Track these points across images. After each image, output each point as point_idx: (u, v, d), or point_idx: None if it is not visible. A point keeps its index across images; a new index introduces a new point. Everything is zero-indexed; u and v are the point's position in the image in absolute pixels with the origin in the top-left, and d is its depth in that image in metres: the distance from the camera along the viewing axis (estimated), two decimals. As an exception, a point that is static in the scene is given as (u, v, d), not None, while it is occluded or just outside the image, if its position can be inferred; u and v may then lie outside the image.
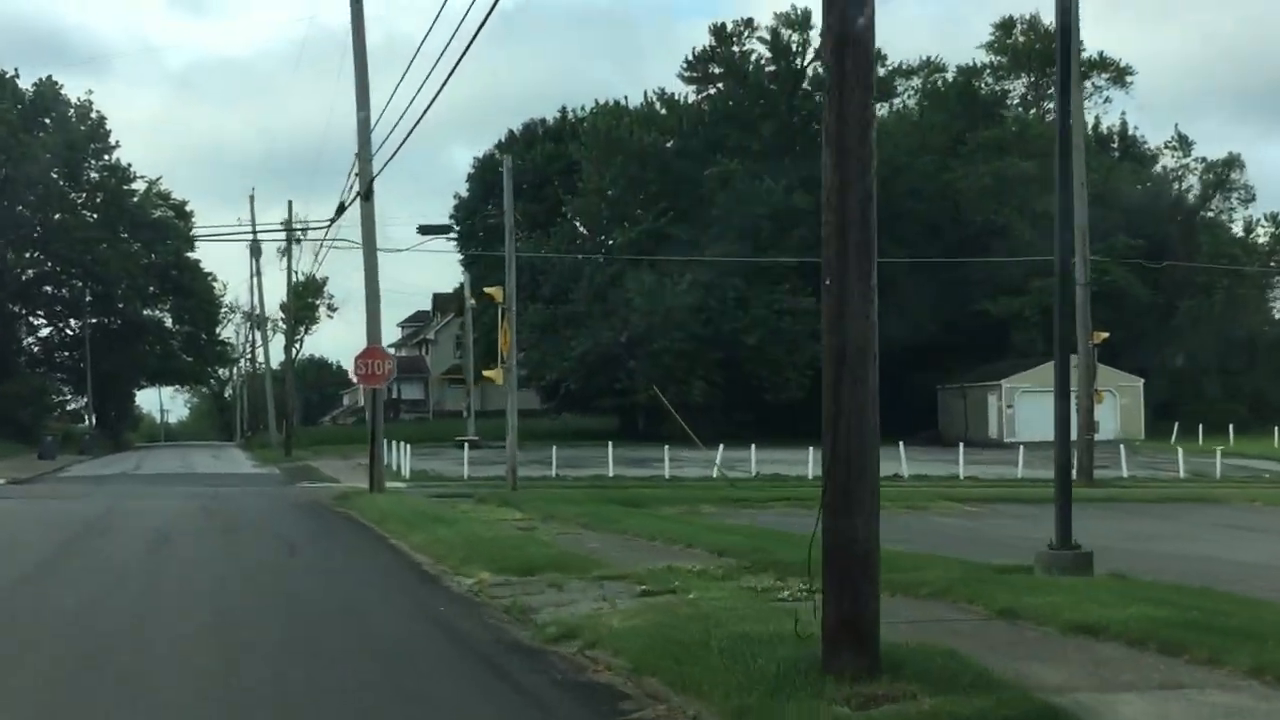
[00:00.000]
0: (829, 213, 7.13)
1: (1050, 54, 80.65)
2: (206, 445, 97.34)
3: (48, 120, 78.26)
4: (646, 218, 69.36)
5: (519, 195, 71.85)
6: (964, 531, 22.10)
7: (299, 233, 69.55)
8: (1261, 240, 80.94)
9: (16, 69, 77.57)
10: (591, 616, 10.90)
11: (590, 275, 69.27)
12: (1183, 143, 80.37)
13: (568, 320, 67.81)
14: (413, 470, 41.37)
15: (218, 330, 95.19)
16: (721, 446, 44.44)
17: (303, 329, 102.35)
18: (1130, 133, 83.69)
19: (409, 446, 43.69)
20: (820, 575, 7.54)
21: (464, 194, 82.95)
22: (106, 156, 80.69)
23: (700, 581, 13.06)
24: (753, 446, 44.58)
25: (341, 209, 31.12)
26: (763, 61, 71.78)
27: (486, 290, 35.28)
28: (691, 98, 73.73)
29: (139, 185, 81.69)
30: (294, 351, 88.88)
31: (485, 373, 37.52)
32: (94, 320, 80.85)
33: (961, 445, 48.21)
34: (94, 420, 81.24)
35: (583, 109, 78.65)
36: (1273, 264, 79.45)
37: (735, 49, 72.04)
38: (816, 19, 73.70)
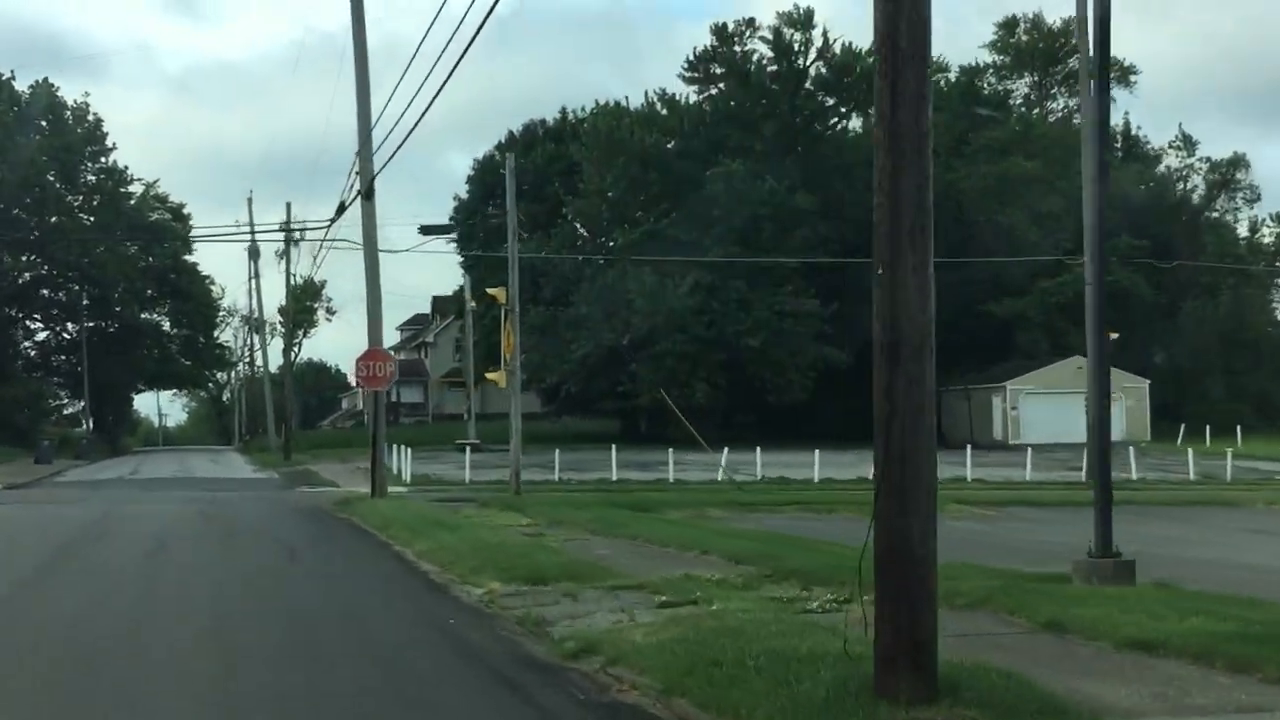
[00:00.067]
0: (881, 196, 6.56)
1: (1053, 53, 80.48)
2: (205, 449, 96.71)
3: (44, 122, 77.67)
4: (648, 219, 68.78)
5: (519, 196, 71.41)
6: (981, 536, 21.52)
7: (297, 234, 68.98)
8: (1267, 240, 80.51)
9: (13, 71, 77.09)
10: (611, 630, 10.32)
11: (591, 277, 68.68)
12: (1187, 142, 79.96)
13: (568, 322, 67.20)
14: (413, 474, 40.77)
15: (216, 334, 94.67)
16: (726, 449, 43.83)
17: (301, 332, 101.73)
18: (1133, 132, 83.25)
19: (410, 450, 43.09)
20: (872, 588, 6.91)
21: (463, 196, 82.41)
22: (103, 159, 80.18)
23: (721, 591, 12.49)
24: (758, 450, 43.97)
25: (342, 208, 30.58)
26: (765, 61, 71.16)
27: (489, 291, 34.71)
28: (693, 98, 73.17)
29: (136, 188, 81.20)
30: (293, 355, 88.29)
31: (488, 375, 36.97)
32: (91, 324, 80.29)
33: (969, 447, 47.58)
34: (91, 425, 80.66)
35: (583, 110, 78.16)
36: (1278, 264, 78.94)
37: (737, 49, 71.44)
38: (819, 18, 73.22)
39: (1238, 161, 80.00)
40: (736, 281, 65.68)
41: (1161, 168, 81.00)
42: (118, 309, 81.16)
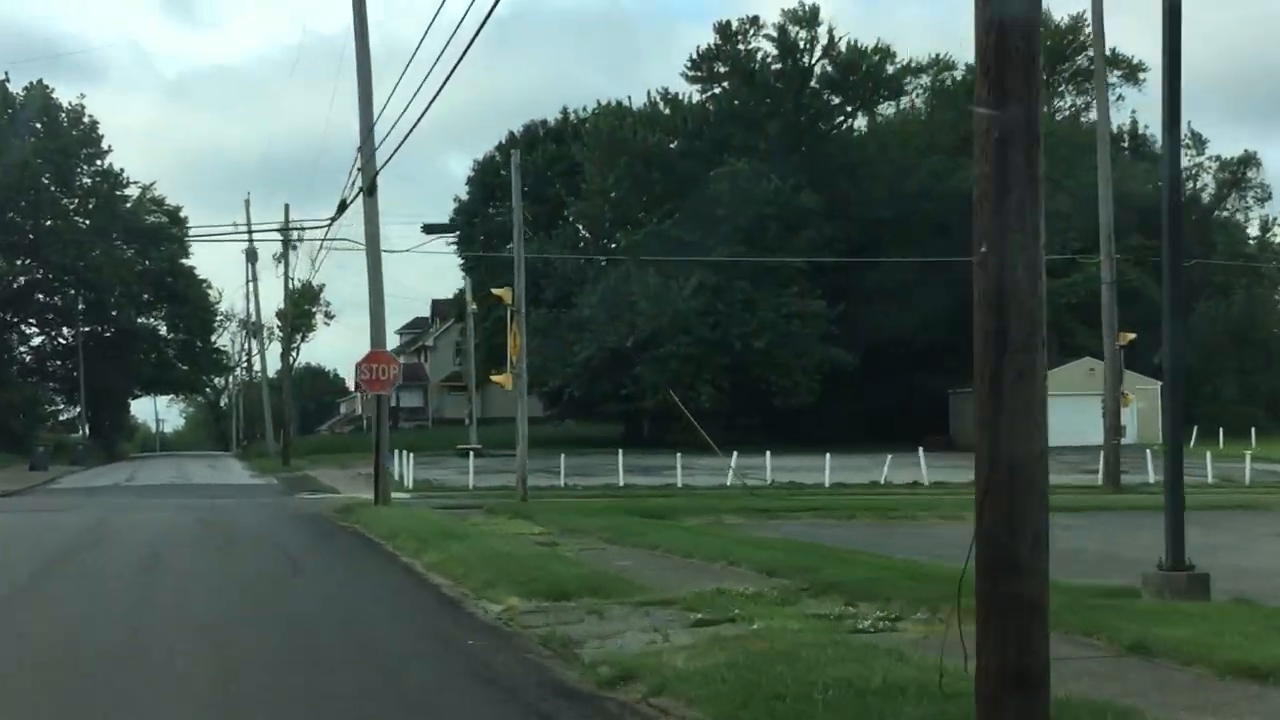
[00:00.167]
0: (984, 165, 5.65)
1: (1061, 51, 79.49)
2: (202, 455, 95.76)
3: (39, 125, 76.76)
4: (651, 219, 67.90)
5: (521, 197, 70.72)
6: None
7: (296, 236, 68.07)
8: (1278, 240, 79.55)
9: (6, 73, 76.16)
10: (647, 653, 9.40)
11: (594, 278, 67.79)
12: (1196, 141, 78.96)
13: (571, 324, 66.26)
14: (415, 480, 39.93)
15: (213, 338, 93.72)
16: (735, 454, 42.94)
17: (299, 337, 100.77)
18: (1141, 131, 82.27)
19: (412, 456, 42.18)
20: (965, 612, 6.00)
21: (463, 197, 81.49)
22: (99, 161, 79.24)
23: (758, 608, 11.57)
24: (767, 454, 43.08)
25: (343, 207, 29.64)
26: (769, 59, 70.28)
27: (495, 291, 33.81)
28: (696, 97, 72.32)
29: (132, 191, 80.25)
30: (291, 359, 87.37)
31: (494, 377, 36.08)
32: (87, 328, 79.44)
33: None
34: (87, 430, 79.69)
35: (584, 109, 77.27)
36: (1290, 263, 78.12)
37: (740, 47, 70.57)
38: (824, 15, 72.70)
39: (1248, 160, 79.12)
40: (741, 282, 64.82)
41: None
42: (114, 313, 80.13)
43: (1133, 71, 77.86)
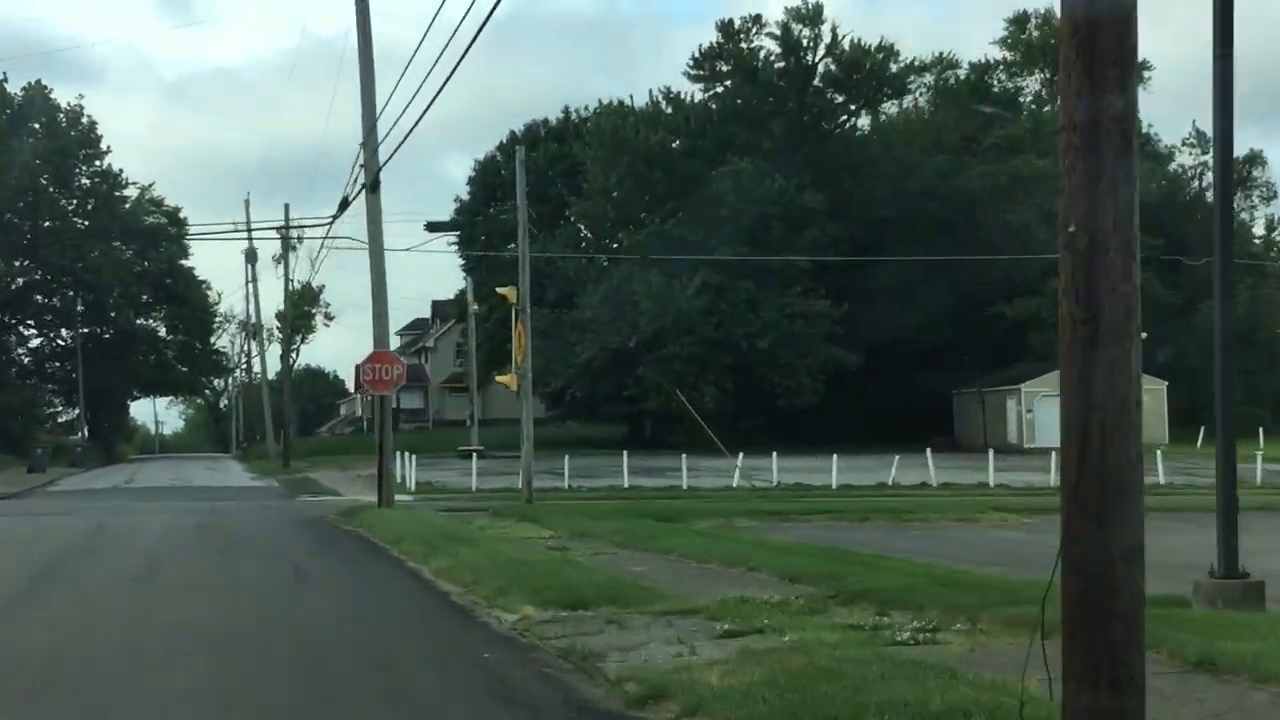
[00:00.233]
0: (1069, 135, 5.12)
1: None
2: (202, 457, 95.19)
3: (37, 125, 76.20)
4: (653, 219, 67.39)
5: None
6: (1036, 548, 19.96)
7: (296, 237, 67.57)
8: (1284, 239, 79.03)
9: (4, 73, 75.55)
10: (677, 668, 8.85)
11: (596, 278, 67.26)
12: (1201, 139, 78.30)
13: (573, 325, 65.71)
14: (417, 482, 39.40)
15: (213, 339, 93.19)
16: (741, 455, 42.43)
17: (299, 338, 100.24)
18: (1144, 130, 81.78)
19: (414, 457, 41.63)
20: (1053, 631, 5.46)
21: (464, 198, 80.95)
22: (98, 162, 78.65)
23: (787, 617, 11.03)
24: (774, 455, 42.53)
25: (345, 204, 29.10)
26: (772, 58, 69.75)
27: (500, 290, 33.29)
28: (698, 96, 71.77)
29: (131, 192, 79.67)
30: (291, 360, 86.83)
31: (499, 378, 35.57)
32: (85, 330, 78.94)
33: (991, 452, 46.20)
34: (86, 432, 79.15)
35: (586, 109, 76.74)
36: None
37: (743, 45, 70.03)
38: (828, 13, 72.11)
39: (1254, 159, 78.51)
40: (745, 282, 64.30)
41: (1174, 166, 79.46)
42: (113, 314, 79.59)
43: (1138, 70, 77.33)
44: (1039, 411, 65.51)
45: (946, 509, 27.02)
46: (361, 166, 26.83)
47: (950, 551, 18.42)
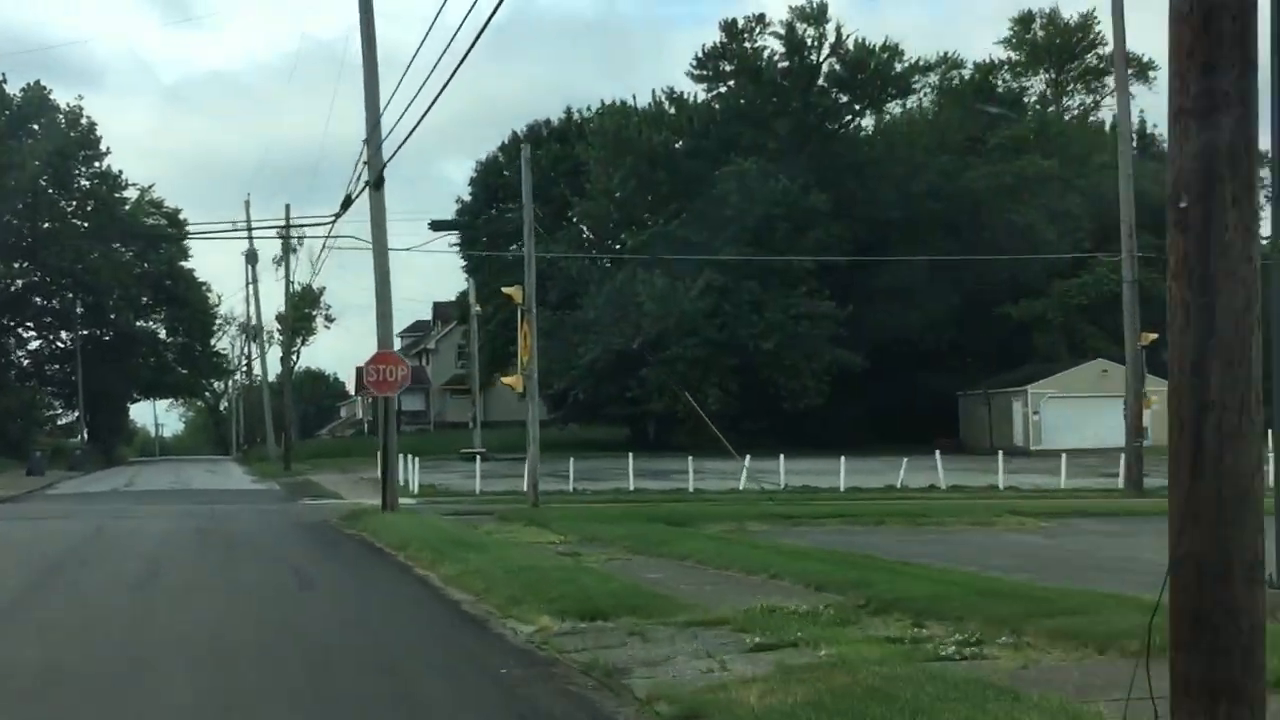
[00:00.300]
0: (1182, 98, 4.57)
1: (1070, 48, 78.52)
2: (202, 459, 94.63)
3: (36, 126, 75.63)
4: (657, 220, 66.88)
5: (523, 198, 69.58)
6: (1058, 553, 19.48)
7: (296, 239, 67.10)
8: (1292, 239, 78.27)
9: (3, 74, 75.00)
10: (711, 687, 8.30)
11: (599, 280, 66.73)
12: (1207, 139, 77.77)
13: (575, 326, 65.15)
14: (420, 484, 38.87)
15: (213, 341, 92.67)
16: (748, 457, 41.88)
17: (299, 340, 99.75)
18: (1148, 130, 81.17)
19: (417, 460, 41.10)
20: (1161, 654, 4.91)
21: (465, 199, 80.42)
22: (97, 164, 78.04)
23: (819, 629, 10.48)
24: (781, 457, 42.03)
25: (348, 202, 28.56)
26: (776, 58, 69.23)
27: (505, 290, 32.68)
28: (701, 97, 71.26)
29: (131, 193, 79.11)
30: (291, 362, 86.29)
31: (504, 379, 35.04)
32: (85, 332, 78.41)
33: (1000, 454, 45.65)
34: (85, 435, 78.61)
35: (588, 109, 76.22)
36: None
37: (747, 45, 69.52)
38: (833, 12, 71.64)
39: (1260, 159, 77.81)
40: (749, 283, 63.80)
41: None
42: (112, 316, 79.05)
43: (1142, 70, 76.76)
44: (1046, 413, 65.00)
45: (961, 512, 26.44)
46: (365, 163, 26.30)
47: (970, 556, 17.87)
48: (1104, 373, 63.75)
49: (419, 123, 24.06)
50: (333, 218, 33.10)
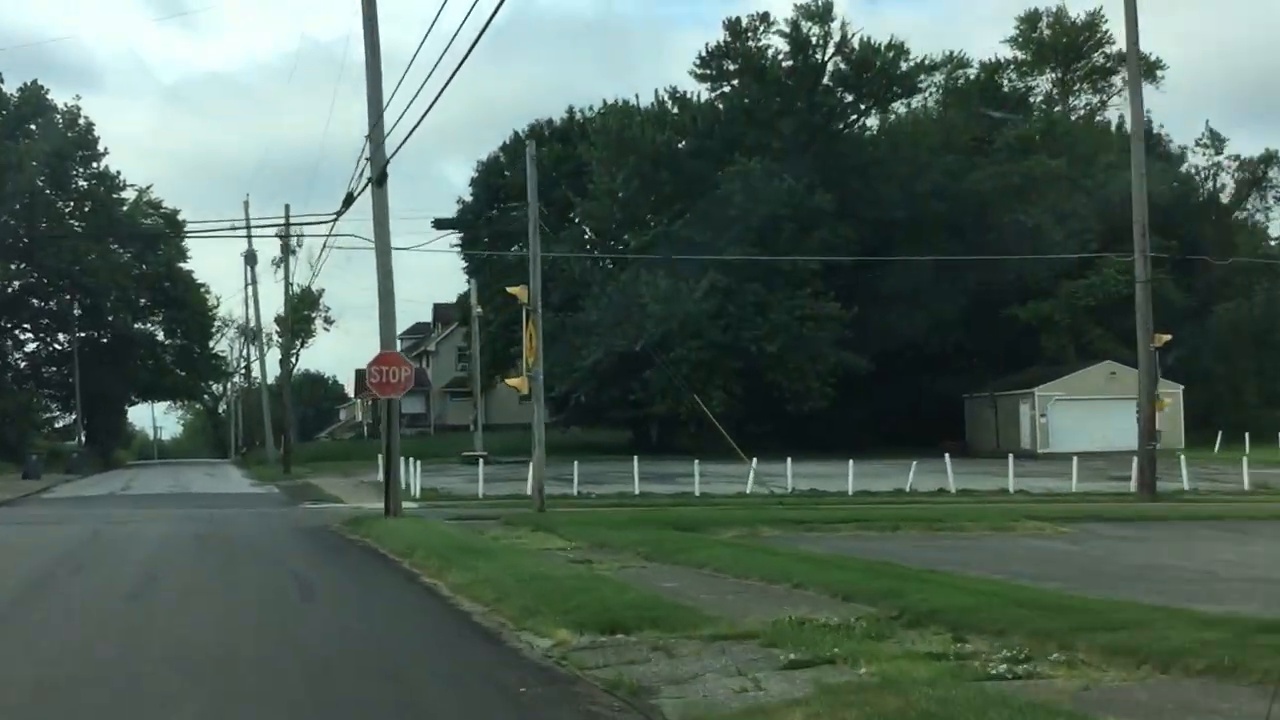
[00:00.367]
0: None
1: (1078, 47, 77.94)
2: (200, 463, 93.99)
3: (33, 126, 74.99)
4: (660, 220, 66.28)
5: (524, 199, 68.99)
6: (1085, 561, 18.83)
7: (296, 241, 66.50)
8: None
9: (1, 73, 74.40)
10: (749, 710, 7.70)
11: (602, 281, 66.12)
12: (1215, 140, 77.29)
13: (577, 328, 64.51)
14: (422, 488, 38.22)
15: (211, 344, 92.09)
16: (755, 460, 41.30)
17: (299, 342, 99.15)
18: (1155, 130, 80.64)
19: (419, 463, 40.50)
20: None
21: (466, 199, 79.83)
22: (95, 164, 77.39)
23: (854, 643, 9.87)
24: (788, 461, 41.44)
25: (350, 199, 27.96)
26: (780, 56, 68.64)
27: (510, 290, 32.05)
28: (705, 96, 70.65)
29: (129, 194, 78.48)
30: (291, 364, 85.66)
31: (509, 381, 34.46)
32: (83, 334, 77.80)
33: (1010, 458, 45.12)
34: (83, 438, 78.01)
35: (591, 109, 75.65)
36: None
37: (751, 44, 68.90)
38: (839, 10, 71.12)
39: (1270, 159, 77.31)
40: (753, 284, 63.20)
41: (1187, 166, 78.27)
42: (110, 318, 78.47)
43: (1150, 69, 76.22)
44: (1053, 416, 64.39)
45: (978, 517, 25.82)
46: (367, 159, 25.69)
47: (995, 564, 17.28)
48: (1112, 375, 63.15)
49: (419, 123, 23.55)
50: (334, 215, 32.46)
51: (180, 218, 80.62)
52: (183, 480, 56.41)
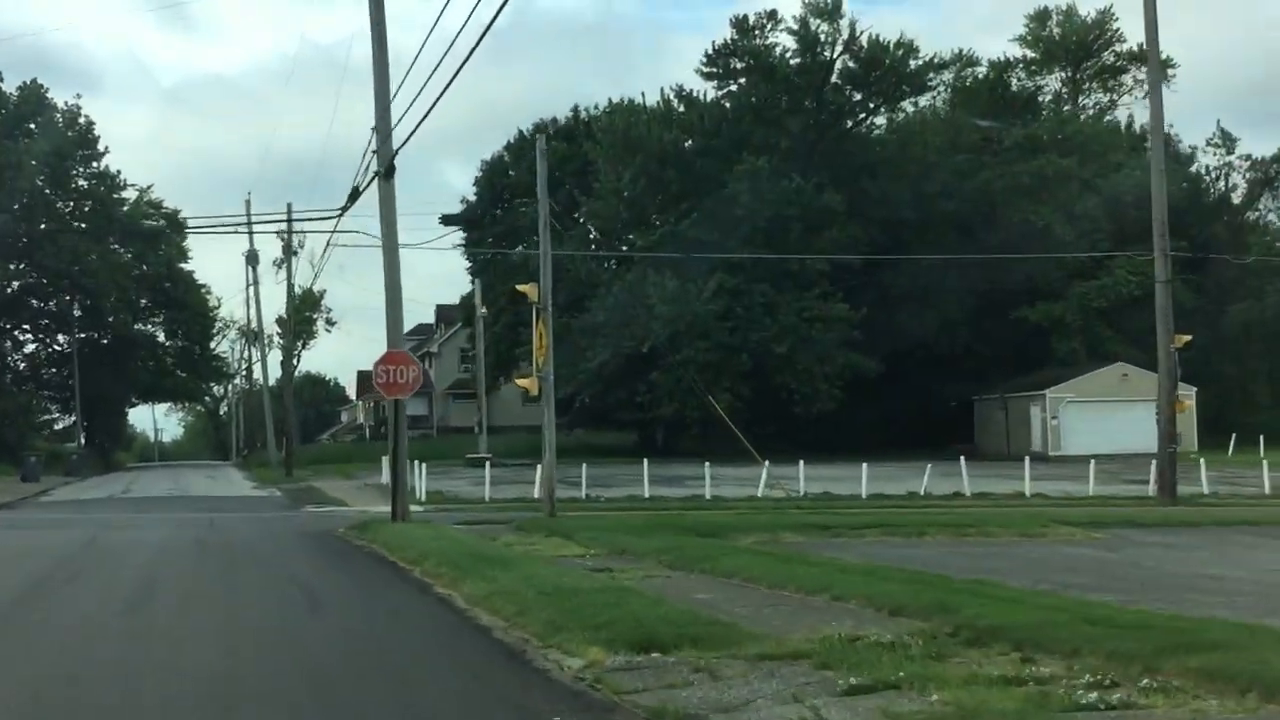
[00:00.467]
0: None
1: (1088, 46, 77.12)
2: (201, 465, 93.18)
3: (33, 125, 74.20)
4: (667, 219, 65.47)
5: (529, 198, 68.08)
6: (1132, 569, 17.95)
7: (298, 242, 65.72)
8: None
9: (0, 72, 73.59)
10: (819, 746, 6.85)
11: (608, 282, 65.29)
12: (1226, 139, 76.40)
13: (583, 330, 63.69)
14: (428, 491, 37.39)
15: (212, 345, 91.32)
16: (767, 463, 40.50)
17: (300, 344, 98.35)
18: (1166, 130, 79.70)
19: (424, 466, 39.67)
20: None
21: (470, 199, 79.06)
22: (95, 164, 76.65)
23: (915, 664, 9.03)
24: (800, 464, 40.62)
25: (356, 194, 27.12)
26: (788, 54, 67.84)
27: (520, 287, 31.25)
28: (711, 94, 69.85)
29: (129, 194, 77.69)
30: (293, 365, 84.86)
31: (519, 381, 33.61)
32: (82, 335, 77.12)
33: (1027, 460, 44.31)
34: (83, 440, 77.23)
35: (596, 107, 74.84)
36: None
37: (759, 42, 68.09)
38: (847, 8, 70.30)
39: (1273, 161, 76.41)
40: (761, 285, 62.45)
41: (1197, 166, 77.39)
42: (110, 319, 77.70)
43: (1160, 68, 75.37)
44: (1064, 418, 63.56)
45: (1005, 523, 24.95)
46: (374, 152, 24.86)
47: (1036, 573, 16.45)
48: (1124, 377, 62.36)
49: (422, 120, 22.83)
50: (339, 211, 31.62)
51: (181, 218, 79.97)
52: (183, 483, 55.61)
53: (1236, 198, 77.52)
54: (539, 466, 33.41)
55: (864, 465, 39.63)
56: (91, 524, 28.55)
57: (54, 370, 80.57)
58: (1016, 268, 62.29)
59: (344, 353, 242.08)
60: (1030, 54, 77.47)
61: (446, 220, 34.34)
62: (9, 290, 76.66)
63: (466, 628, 12.24)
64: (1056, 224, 64.98)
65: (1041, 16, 77.02)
